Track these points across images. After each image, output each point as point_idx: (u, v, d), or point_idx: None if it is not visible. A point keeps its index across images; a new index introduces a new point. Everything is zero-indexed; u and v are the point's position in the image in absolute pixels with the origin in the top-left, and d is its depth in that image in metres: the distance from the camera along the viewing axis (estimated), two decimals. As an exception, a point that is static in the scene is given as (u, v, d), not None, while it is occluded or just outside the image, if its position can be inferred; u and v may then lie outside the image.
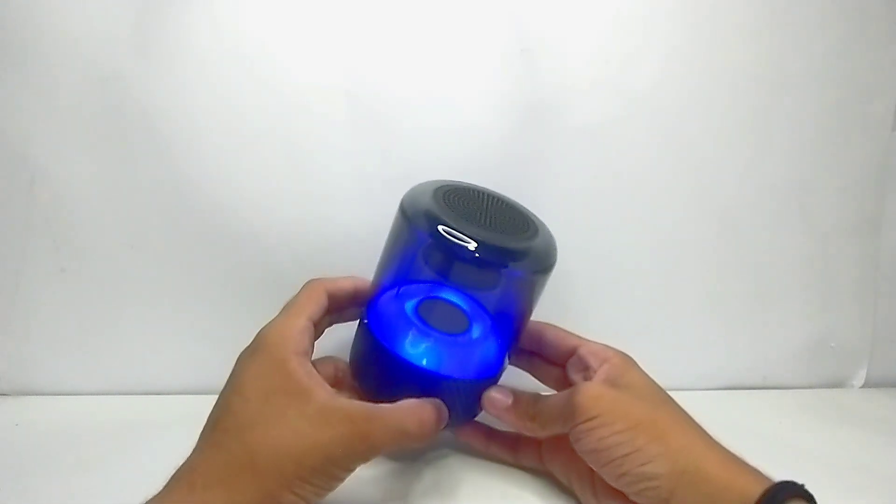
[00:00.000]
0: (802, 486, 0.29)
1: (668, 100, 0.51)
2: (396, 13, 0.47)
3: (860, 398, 0.57)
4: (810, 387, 0.57)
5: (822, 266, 0.56)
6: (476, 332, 0.38)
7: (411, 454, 0.42)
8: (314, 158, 0.48)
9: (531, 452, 0.40)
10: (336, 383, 0.38)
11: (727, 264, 0.55)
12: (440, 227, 0.34)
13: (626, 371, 0.37)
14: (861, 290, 0.57)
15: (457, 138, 0.49)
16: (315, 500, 0.29)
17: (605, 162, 0.51)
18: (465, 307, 0.38)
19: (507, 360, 0.40)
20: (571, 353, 0.39)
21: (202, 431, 0.31)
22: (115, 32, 0.45)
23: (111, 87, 0.45)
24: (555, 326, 0.41)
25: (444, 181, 0.40)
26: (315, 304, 0.35)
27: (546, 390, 0.40)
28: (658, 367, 0.37)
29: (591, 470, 0.34)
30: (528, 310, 0.38)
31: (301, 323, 0.33)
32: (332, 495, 0.30)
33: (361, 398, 0.37)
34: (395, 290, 0.38)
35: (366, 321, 0.37)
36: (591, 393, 0.34)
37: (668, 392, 0.36)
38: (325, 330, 0.38)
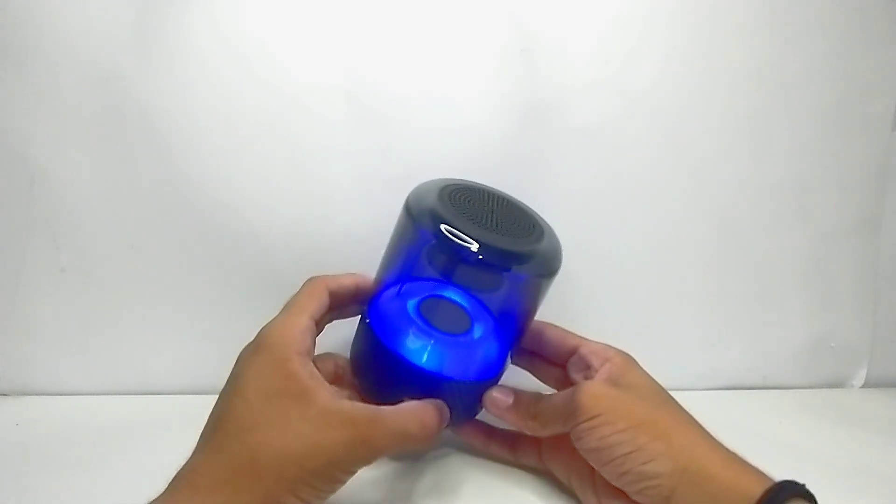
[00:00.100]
0: (803, 485, 0.29)
1: (668, 100, 0.51)
2: (396, 13, 0.47)
3: (860, 398, 0.57)
4: (810, 387, 0.57)
5: (822, 266, 0.56)
6: (478, 332, 0.38)
7: (412, 454, 0.42)
8: (314, 158, 0.48)
9: (531, 451, 0.40)
10: (336, 380, 0.38)
11: (727, 264, 0.55)
12: (443, 227, 0.34)
13: (627, 370, 0.37)
14: (861, 290, 0.57)
15: (457, 138, 0.49)
16: (317, 502, 0.29)
17: (605, 162, 0.51)
18: (467, 307, 0.38)
19: (508, 361, 0.40)
20: (572, 352, 0.39)
21: (203, 432, 0.31)
22: (115, 32, 0.45)
23: (111, 87, 0.45)
24: (555, 326, 0.41)
25: (451, 180, 0.40)
26: (317, 303, 0.35)
27: (547, 390, 0.40)
28: (658, 367, 0.37)
29: (592, 469, 0.34)
30: (532, 312, 0.38)
31: (303, 322, 0.33)
32: (333, 496, 0.30)
33: (361, 396, 0.37)
34: (397, 288, 0.38)
35: (367, 320, 0.37)
36: (592, 392, 0.34)
37: (669, 392, 0.36)
38: (325, 326, 0.38)
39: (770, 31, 0.51)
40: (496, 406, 0.37)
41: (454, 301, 0.38)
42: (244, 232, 0.48)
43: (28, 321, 0.48)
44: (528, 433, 0.37)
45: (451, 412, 0.35)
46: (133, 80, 0.45)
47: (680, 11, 0.50)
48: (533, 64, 0.49)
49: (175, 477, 0.29)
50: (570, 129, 0.50)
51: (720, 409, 0.40)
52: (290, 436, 0.29)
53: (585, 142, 0.50)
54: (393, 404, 0.32)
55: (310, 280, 0.36)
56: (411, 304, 0.38)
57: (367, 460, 0.30)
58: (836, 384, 0.58)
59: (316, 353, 0.35)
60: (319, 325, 0.35)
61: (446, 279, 0.37)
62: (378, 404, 0.32)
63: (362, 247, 0.46)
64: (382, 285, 0.38)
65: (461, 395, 0.37)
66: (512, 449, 0.41)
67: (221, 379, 0.32)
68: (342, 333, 0.39)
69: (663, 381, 0.37)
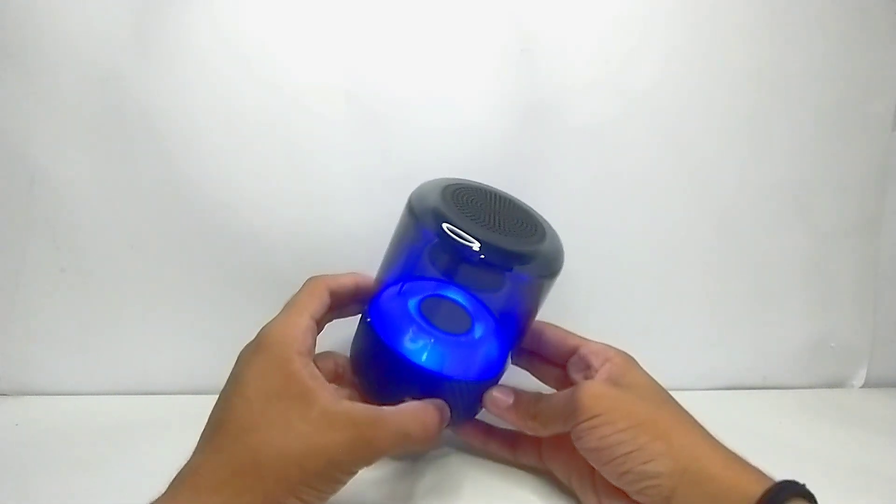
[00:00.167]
0: (804, 485, 0.29)
1: (668, 100, 0.51)
2: (396, 13, 0.47)
3: (860, 398, 0.57)
4: (810, 387, 0.57)
5: (822, 266, 0.56)
6: (478, 332, 0.38)
7: (412, 454, 0.42)
8: (314, 158, 0.48)
9: (530, 450, 0.40)
10: (336, 379, 0.38)
11: (727, 264, 0.55)
12: (445, 226, 0.34)
13: (627, 370, 0.37)
14: (861, 290, 0.57)
15: (457, 138, 0.49)
16: (317, 503, 0.29)
17: (605, 162, 0.51)
18: (468, 307, 0.38)
19: (509, 361, 0.40)
20: (572, 352, 0.39)
21: (203, 432, 0.31)
22: (115, 32, 0.45)
23: (111, 87, 0.45)
24: (555, 326, 0.41)
25: (454, 179, 0.40)
26: (317, 302, 0.35)
27: (547, 390, 0.40)
28: (658, 367, 0.37)
29: (592, 469, 0.34)
30: (533, 313, 0.38)
31: (304, 322, 0.33)
32: (333, 497, 0.30)
33: (361, 395, 0.37)
34: (398, 287, 0.38)
35: (368, 319, 0.37)
36: (593, 391, 0.34)
37: (669, 392, 0.36)
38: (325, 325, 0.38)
39: (770, 31, 0.51)
40: (496, 406, 0.37)
41: (455, 301, 0.38)
42: (244, 232, 0.48)
43: (28, 321, 0.48)
44: (529, 433, 0.37)
45: (451, 412, 0.35)
46: (133, 80, 0.45)
47: (680, 11, 0.50)
48: (533, 64, 0.49)
49: (176, 477, 0.29)
50: (570, 129, 0.50)
51: (720, 409, 0.40)
52: (291, 437, 0.29)
53: (585, 142, 0.50)
54: (393, 404, 0.32)
55: (310, 279, 0.36)
56: (412, 303, 0.38)
57: (368, 461, 0.30)
58: (836, 384, 0.58)
59: (316, 352, 0.35)
60: (320, 325, 0.35)
61: (448, 279, 0.37)
62: (378, 403, 0.32)
63: (362, 247, 0.46)
64: (384, 284, 0.38)
65: (461, 395, 0.37)
66: (511, 448, 0.41)
67: (221, 379, 0.32)
68: (342, 332, 0.39)
69: (663, 381, 0.37)
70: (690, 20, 0.50)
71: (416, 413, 0.32)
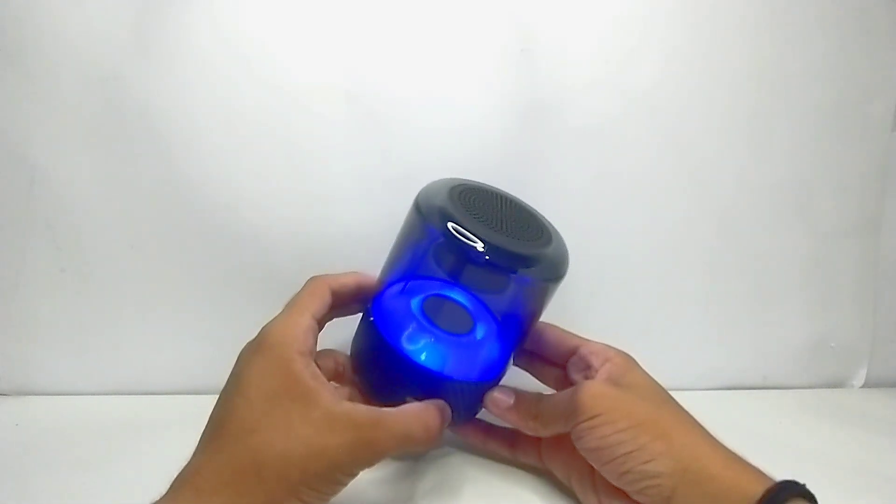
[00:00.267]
0: (804, 485, 0.29)
1: (668, 100, 0.51)
2: (396, 13, 0.47)
3: (860, 398, 0.57)
4: (810, 387, 0.57)
5: (822, 266, 0.56)
6: (480, 333, 0.38)
7: (413, 454, 0.42)
8: (314, 158, 0.48)
9: (530, 449, 0.40)
10: (336, 377, 0.38)
11: (727, 264, 0.55)
12: (451, 226, 0.34)
13: (628, 370, 0.37)
14: (861, 290, 0.57)
15: (457, 138, 0.49)
16: None
17: (605, 162, 0.51)
18: (470, 308, 0.38)
19: (510, 363, 0.40)
20: (572, 353, 0.39)
21: (204, 432, 0.31)
22: (115, 32, 0.45)
23: (111, 87, 0.45)
24: (555, 326, 0.41)
25: (461, 180, 0.40)
26: (319, 302, 0.35)
27: (547, 391, 0.40)
28: (658, 367, 0.37)
29: (592, 468, 0.34)
30: (535, 316, 0.38)
31: (305, 321, 0.33)
32: (334, 497, 0.30)
33: (362, 393, 0.37)
34: (401, 286, 0.38)
35: (371, 317, 0.37)
36: (593, 391, 0.34)
37: (669, 392, 0.36)
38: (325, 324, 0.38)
39: (770, 31, 0.51)
40: (497, 406, 0.37)
41: (457, 301, 0.38)
42: (244, 232, 0.48)
43: (28, 321, 0.48)
44: (530, 433, 0.37)
45: (452, 412, 0.34)
46: (133, 80, 0.45)
47: (680, 11, 0.50)
48: (533, 64, 0.49)
49: (177, 478, 0.29)
50: (570, 129, 0.50)
51: (720, 409, 0.40)
52: (293, 438, 0.29)
53: (585, 142, 0.50)
54: (394, 403, 0.32)
55: (312, 279, 0.36)
56: (415, 302, 0.38)
57: (369, 462, 0.30)
58: (836, 384, 0.58)
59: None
60: (321, 324, 0.35)
61: (452, 279, 0.37)
62: (379, 402, 0.32)
63: (362, 246, 0.46)
64: (387, 283, 0.38)
65: (462, 395, 0.37)
66: (511, 447, 0.41)
67: (221, 379, 0.32)
68: (342, 332, 0.39)
69: (663, 381, 0.37)
70: (690, 20, 0.50)
71: (417, 414, 0.32)
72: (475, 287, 0.37)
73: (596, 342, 0.39)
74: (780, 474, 0.30)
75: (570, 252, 0.38)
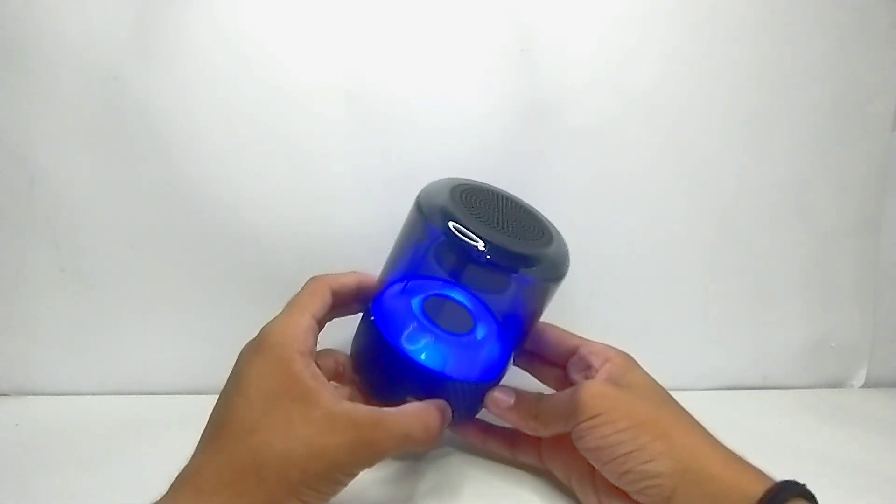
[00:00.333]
0: (804, 485, 0.29)
1: (668, 100, 0.51)
2: (396, 13, 0.47)
3: (860, 398, 0.57)
4: (810, 387, 0.57)
5: (822, 266, 0.56)
6: (480, 333, 0.38)
7: (413, 454, 0.42)
8: (314, 158, 0.48)
9: (530, 449, 0.40)
10: (336, 377, 0.38)
11: (727, 264, 0.55)
12: (452, 225, 0.34)
13: (628, 370, 0.37)
14: (861, 290, 0.57)
15: (457, 138, 0.49)
16: None
17: (605, 162, 0.51)
18: (471, 308, 0.38)
19: (510, 363, 0.40)
20: (572, 353, 0.39)
21: (204, 432, 0.31)
22: (115, 32, 0.45)
23: (111, 87, 0.45)
24: (555, 326, 0.41)
25: (462, 180, 0.40)
26: (319, 302, 0.35)
27: (547, 391, 0.40)
28: (658, 367, 0.37)
29: (592, 468, 0.34)
30: (536, 316, 0.38)
31: (305, 321, 0.33)
32: (334, 497, 0.30)
33: (362, 393, 0.37)
34: (402, 286, 0.38)
35: (372, 316, 0.37)
36: (593, 391, 0.34)
37: (669, 392, 0.36)
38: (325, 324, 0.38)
39: (770, 31, 0.51)
40: (498, 406, 0.37)
41: (458, 301, 0.38)
42: (244, 232, 0.48)
43: (28, 321, 0.48)
44: (530, 433, 0.37)
45: (452, 412, 0.34)
46: (133, 80, 0.45)
47: (680, 11, 0.50)
48: (533, 64, 0.49)
49: (177, 478, 0.29)
50: (570, 129, 0.50)
51: (720, 409, 0.40)
52: (293, 438, 0.29)
53: (585, 142, 0.50)
54: (394, 402, 0.32)
55: (312, 279, 0.36)
56: (415, 301, 0.38)
57: (369, 462, 0.30)
58: (836, 384, 0.58)
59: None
60: (321, 324, 0.35)
61: (453, 278, 0.37)
62: (379, 402, 0.32)
63: (362, 246, 0.46)
64: (387, 282, 0.38)
65: (463, 395, 0.37)
66: (510, 447, 0.41)
67: (221, 379, 0.32)
68: (342, 332, 0.39)
69: (663, 381, 0.37)
70: (690, 20, 0.50)
71: (417, 414, 0.32)
72: (476, 287, 0.37)
73: (596, 342, 0.39)
74: (780, 474, 0.30)
75: (570, 252, 0.38)
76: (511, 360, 0.40)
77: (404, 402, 0.33)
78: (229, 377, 0.32)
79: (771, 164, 0.54)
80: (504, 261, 0.34)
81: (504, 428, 0.41)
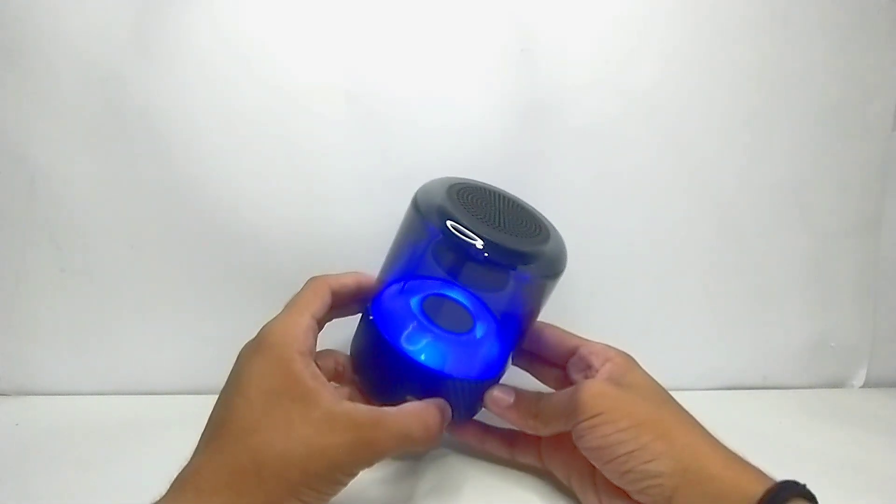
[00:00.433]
0: (804, 485, 0.29)
1: (668, 100, 0.51)
2: (396, 13, 0.47)
3: (860, 398, 0.57)
4: (810, 387, 0.57)
5: (822, 266, 0.56)
6: (479, 331, 0.38)
7: (413, 454, 0.41)
8: (314, 158, 0.48)
9: (529, 449, 0.40)
10: (336, 377, 0.38)
11: (727, 264, 0.55)
12: (450, 224, 0.34)
13: (628, 370, 0.37)
14: (861, 290, 0.57)
15: (457, 138, 0.49)
16: None
17: (605, 162, 0.51)
18: (469, 307, 0.38)
19: (509, 362, 0.40)
20: (572, 353, 0.39)
21: (204, 431, 0.31)
22: (114, 32, 0.45)
23: (111, 87, 0.45)
24: (555, 326, 0.41)
25: (459, 179, 0.40)
26: (319, 302, 0.35)
27: (547, 391, 0.40)
28: (658, 367, 0.37)
29: (592, 468, 0.34)
30: (534, 313, 0.38)
31: (305, 321, 0.33)
32: (334, 497, 0.30)
33: (362, 393, 0.37)
34: (401, 285, 0.38)
35: (371, 316, 0.37)
36: (594, 391, 0.34)
37: (669, 392, 0.36)
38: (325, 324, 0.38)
39: (770, 31, 0.51)
40: (497, 405, 0.37)
41: (457, 300, 0.38)
42: (244, 232, 0.48)
43: (28, 321, 0.48)
44: (530, 432, 0.37)
45: (452, 412, 0.34)
46: (133, 80, 0.45)
47: (680, 11, 0.50)
48: (533, 64, 0.49)
49: (177, 478, 0.28)
50: (570, 128, 0.50)
51: (720, 409, 0.40)
52: (293, 438, 0.29)
53: (585, 142, 0.50)
54: (394, 402, 0.32)
55: (312, 279, 0.36)
56: (414, 301, 0.38)
57: (369, 462, 0.30)
58: (836, 384, 0.58)
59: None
60: (320, 324, 0.35)
61: (451, 277, 0.37)
62: (379, 401, 0.32)
63: (362, 246, 0.46)
64: (386, 282, 0.38)
65: (462, 394, 0.37)
66: (509, 446, 0.40)
67: (221, 379, 0.32)
68: (342, 332, 0.39)
69: (663, 381, 0.37)
70: (690, 20, 0.50)
71: (417, 414, 0.32)
72: (474, 285, 0.37)
73: (596, 342, 0.39)
74: (780, 474, 0.30)
75: (569, 252, 0.38)
76: (510, 359, 0.40)
77: (404, 401, 0.33)
78: (229, 377, 0.32)
79: (771, 164, 0.54)
80: (502, 258, 0.34)
81: (502, 428, 0.41)
